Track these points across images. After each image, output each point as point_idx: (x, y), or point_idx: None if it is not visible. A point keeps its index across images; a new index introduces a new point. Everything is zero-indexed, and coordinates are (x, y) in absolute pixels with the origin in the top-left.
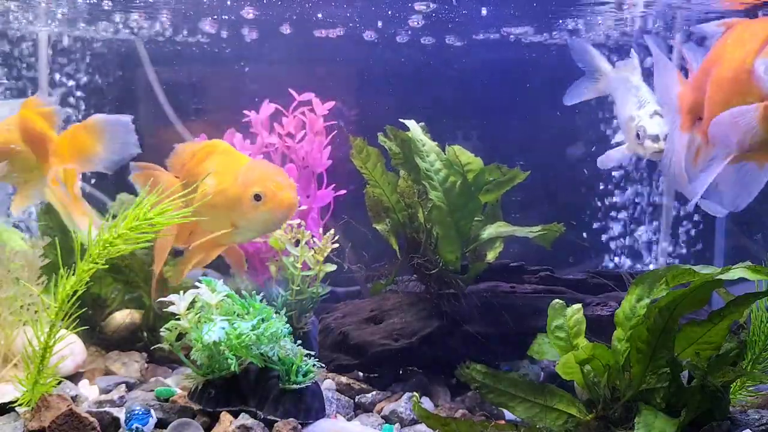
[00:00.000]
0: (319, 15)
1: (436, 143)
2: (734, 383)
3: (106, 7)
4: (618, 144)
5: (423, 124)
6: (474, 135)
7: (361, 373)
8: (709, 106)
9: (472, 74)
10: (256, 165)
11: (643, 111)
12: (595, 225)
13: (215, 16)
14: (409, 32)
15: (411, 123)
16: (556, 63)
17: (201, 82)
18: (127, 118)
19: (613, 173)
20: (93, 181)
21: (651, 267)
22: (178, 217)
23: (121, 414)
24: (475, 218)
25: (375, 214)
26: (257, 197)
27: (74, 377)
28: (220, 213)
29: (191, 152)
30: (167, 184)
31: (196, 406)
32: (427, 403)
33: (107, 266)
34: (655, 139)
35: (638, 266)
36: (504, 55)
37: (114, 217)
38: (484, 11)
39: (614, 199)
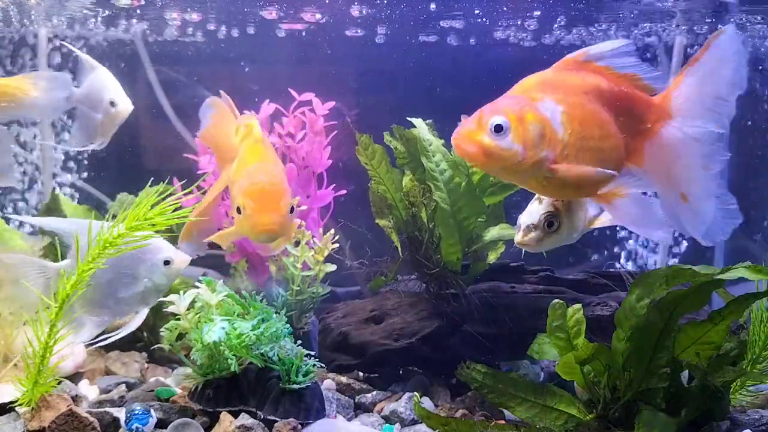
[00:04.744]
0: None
1: (443, 141)
2: (734, 383)
3: None
4: None
5: (430, 121)
6: None
7: (361, 373)
8: None
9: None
10: (252, 174)
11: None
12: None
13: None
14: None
15: (418, 121)
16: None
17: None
18: None
19: None
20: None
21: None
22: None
23: (121, 414)
24: (479, 219)
25: (378, 210)
26: (238, 210)
27: (74, 377)
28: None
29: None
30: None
31: (196, 406)
32: (427, 403)
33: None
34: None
35: (638, 267)
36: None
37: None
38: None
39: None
